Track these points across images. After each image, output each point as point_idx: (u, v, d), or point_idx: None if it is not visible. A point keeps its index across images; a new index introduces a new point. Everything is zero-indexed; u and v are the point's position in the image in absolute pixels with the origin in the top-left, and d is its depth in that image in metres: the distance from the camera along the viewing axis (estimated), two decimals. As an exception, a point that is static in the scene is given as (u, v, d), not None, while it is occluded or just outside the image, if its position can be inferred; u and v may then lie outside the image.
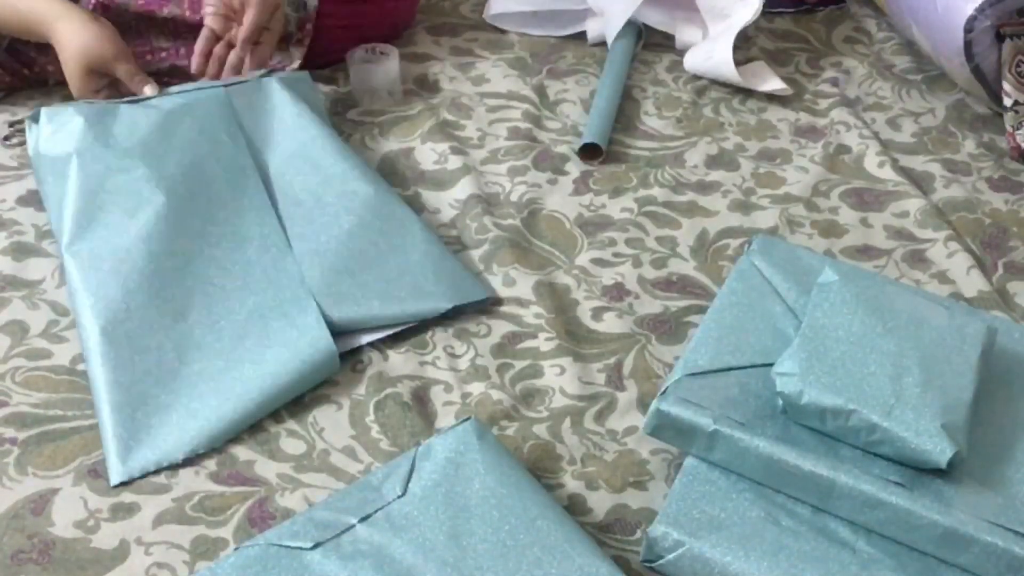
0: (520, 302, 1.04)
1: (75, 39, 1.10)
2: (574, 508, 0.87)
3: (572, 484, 0.89)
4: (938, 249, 1.13)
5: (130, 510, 0.84)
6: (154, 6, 1.23)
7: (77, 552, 0.81)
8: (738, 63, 1.33)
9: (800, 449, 0.81)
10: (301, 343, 0.93)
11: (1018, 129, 1.25)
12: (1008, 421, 0.86)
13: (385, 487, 0.81)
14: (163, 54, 1.26)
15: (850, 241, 1.14)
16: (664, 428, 0.85)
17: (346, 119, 1.26)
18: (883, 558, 0.79)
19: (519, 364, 0.98)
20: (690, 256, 1.11)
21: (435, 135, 1.24)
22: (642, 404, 0.95)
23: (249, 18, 1.16)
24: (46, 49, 1.24)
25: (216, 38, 1.18)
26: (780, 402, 0.83)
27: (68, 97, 1.25)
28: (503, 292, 1.05)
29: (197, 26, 1.24)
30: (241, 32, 1.16)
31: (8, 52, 1.23)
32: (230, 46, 1.18)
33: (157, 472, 0.86)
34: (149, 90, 1.12)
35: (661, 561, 0.80)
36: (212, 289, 0.96)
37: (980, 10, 1.22)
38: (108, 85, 1.15)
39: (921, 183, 1.23)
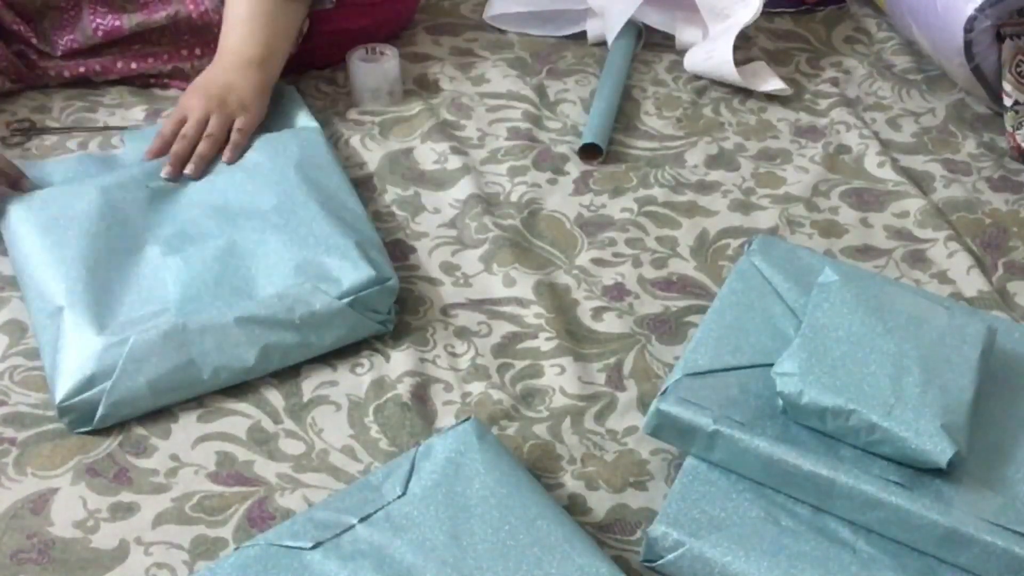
0: (520, 302, 1.04)
1: None
2: (574, 508, 0.87)
3: (572, 484, 0.88)
4: (938, 249, 1.13)
5: (129, 510, 0.84)
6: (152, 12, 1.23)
7: (77, 552, 0.81)
8: (738, 63, 1.33)
9: (800, 449, 0.81)
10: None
11: (1018, 129, 1.25)
12: (1008, 421, 0.86)
13: (385, 487, 0.81)
14: (164, 56, 1.26)
15: (850, 241, 1.14)
16: (664, 428, 0.85)
17: (346, 119, 1.26)
18: (883, 558, 0.79)
19: (519, 364, 0.98)
20: (690, 256, 1.11)
21: (435, 135, 1.24)
22: (642, 404, 0.95)
23: (238, 124, 1.11)
24: (47, 49, 1.24)
25: (170, 141, 1.10)
26: (780, 402, 0.83)
27: (68, 98, 1.25)
28: (503, 292, 1.05)
29: (198, 26, 1.24)
30: (212, 127, 1.10)
31: (9, 53, 1.23)
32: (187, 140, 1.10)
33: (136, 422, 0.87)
34: None
35: (661, 561, 0.80)
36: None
37: (980, 10, 1.22)
38: None
39: (921, 183, 1.23)
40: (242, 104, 1.13)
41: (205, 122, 1.11)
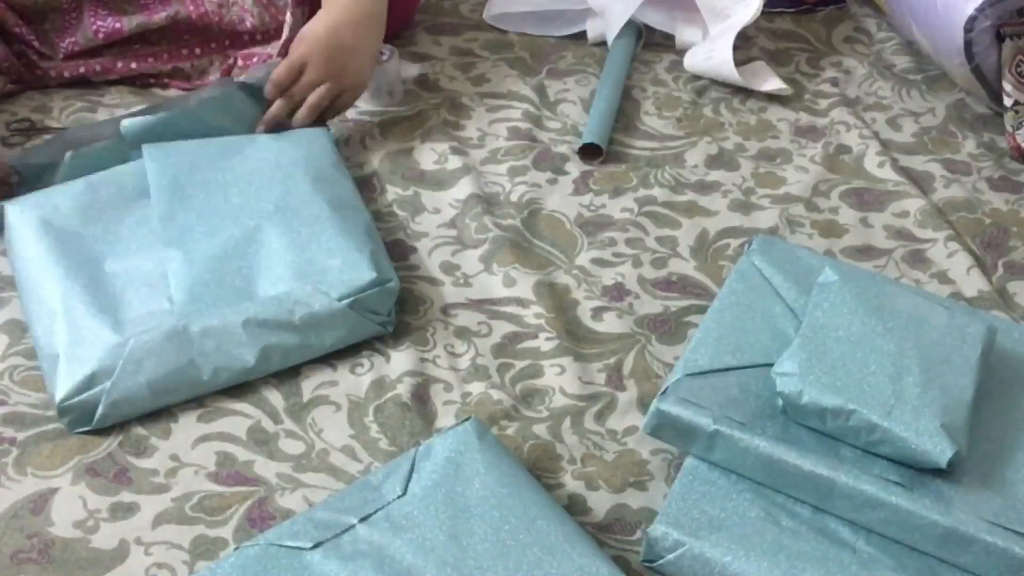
0: (520, 302, 1.04)
1: None
2: (574, 508, 0.87)
3: (572, 484, 0.89)
4: (938, 249, 1.13)
5: (129, 510, 0.84)
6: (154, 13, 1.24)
7: (76, 552, 0.81)
8: (738, 63, 1.33)
9: (800, 449, 0.81)
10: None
11: (1018, 129, 1.25)
12: (1008, 421, 0.86)
13: (385, 487, 0.81)
14: (164, 55, 1.26)
15: (850, 241, 1.14)
16: (664, 428, 0.85)
17: (346, 119, 1.26)
18: (883, 558, 0.79)
19: (519, 364, 0.98)
20: (690, 256, 1.11)
21: (435, 135, 1.24)
22: (642, 404, 0.95)
23: (341, 102, 1.17)
24: (48, 51, 1.25)
25: (283, 88, 1.14)
26: (780, 402, 0.83)
27: (68, 98, 1.25)
28: (503, 292, 1.05)
29: (198, 27, 1.25)
30: (314, 97, 1.13)
31: (11, 54, 1.23)
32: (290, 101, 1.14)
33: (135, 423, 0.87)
34: None
35: (661, 561, 0.80)
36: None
37: (980, 10, 1.22)
38: None
39: (921, 183, 1.23)
40: (358, 79, 1.16)
41: (317, 84, 1.13)
